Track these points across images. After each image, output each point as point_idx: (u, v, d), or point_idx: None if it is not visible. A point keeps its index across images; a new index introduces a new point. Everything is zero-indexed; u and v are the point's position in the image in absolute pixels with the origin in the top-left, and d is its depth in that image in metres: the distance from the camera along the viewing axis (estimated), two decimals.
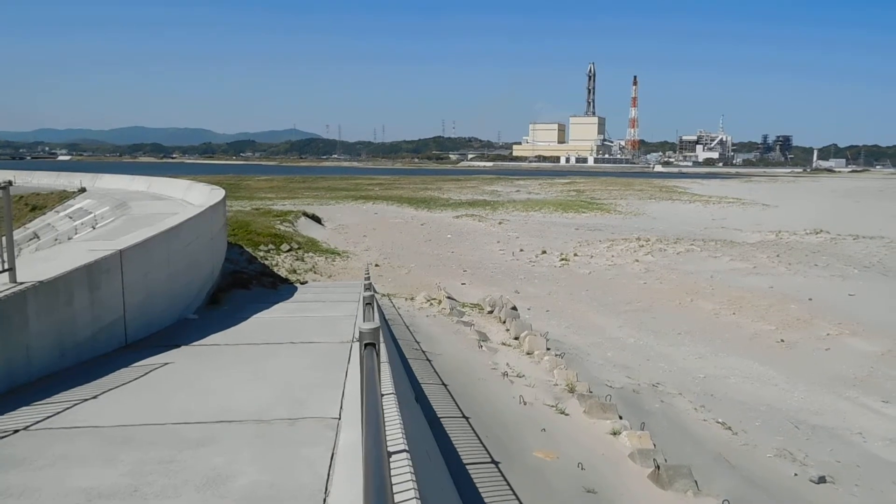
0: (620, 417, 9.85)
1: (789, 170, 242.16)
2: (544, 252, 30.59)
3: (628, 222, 46.52)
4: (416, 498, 3.07)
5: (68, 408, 5.37)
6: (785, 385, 13.91)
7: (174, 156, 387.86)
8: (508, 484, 6.35)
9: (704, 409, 11.72)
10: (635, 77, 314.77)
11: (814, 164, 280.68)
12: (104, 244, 8.56)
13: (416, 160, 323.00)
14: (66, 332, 6.78)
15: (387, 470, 2.00)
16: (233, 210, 35.75)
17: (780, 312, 19.59)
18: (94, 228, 18.67)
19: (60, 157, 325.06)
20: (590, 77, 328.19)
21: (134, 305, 8.20)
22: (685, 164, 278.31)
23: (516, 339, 14.63)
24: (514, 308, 17.95)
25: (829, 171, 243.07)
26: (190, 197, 22.34)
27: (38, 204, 31.91)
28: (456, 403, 8.63)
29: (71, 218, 25.25)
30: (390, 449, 3.68)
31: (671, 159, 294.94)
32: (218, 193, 17.18)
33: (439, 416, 7.88)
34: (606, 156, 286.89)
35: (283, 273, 20.39)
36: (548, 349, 13.64)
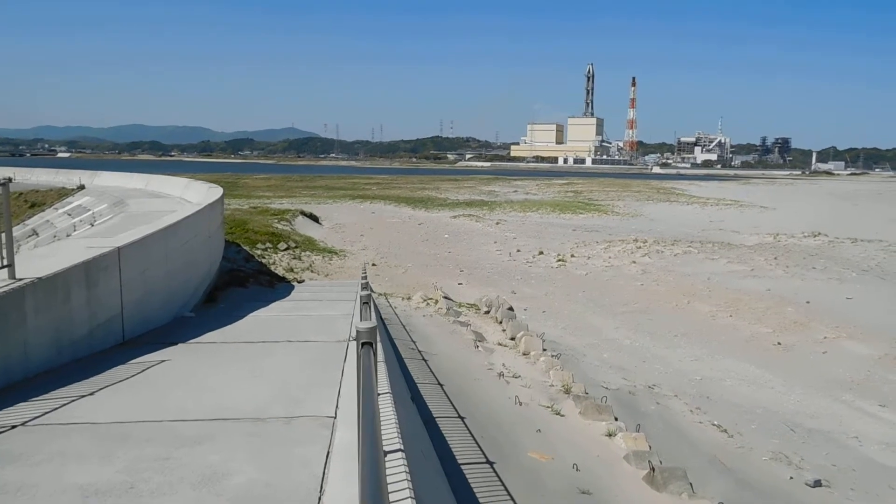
0: (616, 419, 9.87)
1: (788, 172, 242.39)
2: (541, 253, 30.61)
3: (626, 223, 46.57)
4: (410, 497, 3.09)
5: (65, 404, 5.38)
6: (781, 388, 13.94)
7: (173, 154, 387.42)
8: (503, 484, 6.36)
9: (700, 411, 11.74)
10: (634, 78, 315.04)
11: (812, 167, 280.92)
12: (102, 241, 8.57)
13: (414, 160, 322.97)
14: (63, 329, 6.78)
15: (383, 470, 2.01)
16: (230, 208, 35.73)
17: (777, 315, 19.62)
18: (92, 226, 18.66)
19: (60, 155, 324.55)
20: (588, 78, 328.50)
21: (131, 303, 8.21)
22: (683, 165, 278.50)
23: (512, 339, 14.65)
24: (511, 308, 17.97)
25: (828, 173, 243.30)
26: (188, 195, 22.33)
27: (37, 201, 31.89)
28: (451, 403, 8.64)
29: (69, 215, 25.23)
30: (386, 448, 3.70)
31: (669, 161, 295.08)
32: (216, 192, 17.18)
33: (435, 415, 7.89)
34: (604, 157, 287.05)
35: (280, 272, 20.40)
36: (544, 350, 13.66)
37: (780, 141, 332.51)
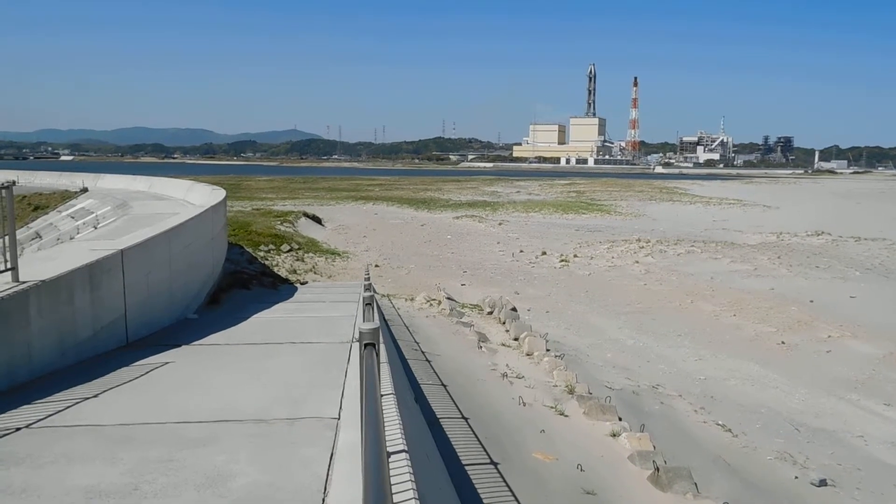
0: (620, 419, 9.85)
1: (790, 171, 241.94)
2: (544, 253, 30.59)
3: (628, 223, 46.52)
4: (414, 499, 3.08)
5: (69, 406, 5.39)
6: (785, 387, 13.90)
7: (175, 156, 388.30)
8: (507, 485, 6.35)
9: (704, 410, 11.71)
10: (636, 78, 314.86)
11: (815, 166, 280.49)
12: (105, 244, 8.59)
13: (417, 161, 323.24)
14: (67, 331, 6.80)
15: (386, 471, 2.00)
16: (233, 210, 35.78)
17: (780, 314, 19.58)
18: (95, 228, 18.70)
19: (63, 158, 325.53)
20: (590, 78, 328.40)
21: (135, 305, 8.22)
22: (686, 165, 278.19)
23: (516, 340, 14.63)
24: (514, 309, 17.95)
25: (831, 172, 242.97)
26: (191, 197, 22.36)
27: (40, 204, 31.96)
28: (455, 404, 8.63)
29: (73, 218, 25.28)
30: (389, 449, 3.69)
31: (672, 160, 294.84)
32: (219, 194, 17.21)
33: (438, 416, 7.88)
34: (607, 157, 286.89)
35: (283, 273, 20.42)
36: (547, 350, 13.64)
37: (782, 140, 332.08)
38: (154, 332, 8.70)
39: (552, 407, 9.91)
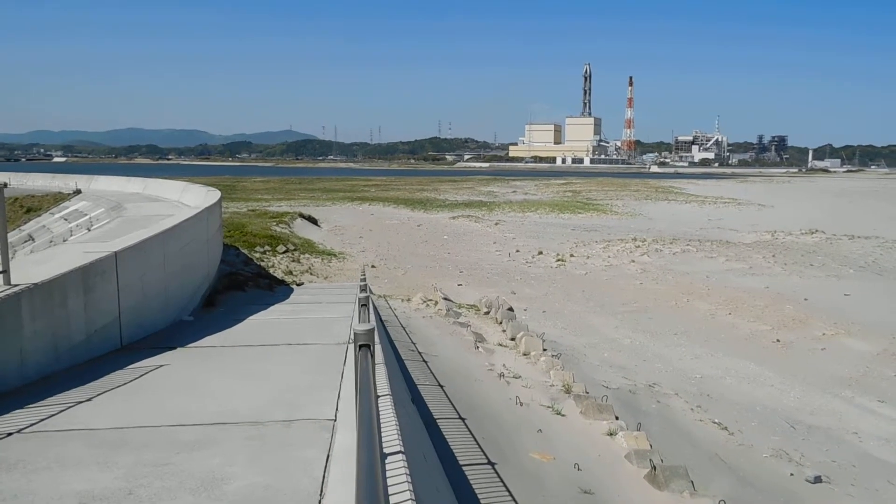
0: (617, 418, 9.85)
1: (785, 170, 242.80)
2: (541, 253, 30.60)
3: (624, 223, 46.59)
4: (411, 500, 3.07)
5: (62, 410, 5.35)
6: (781, 385, 13.93)
7: (170, 157, 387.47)
8: (505, 485, 6.34)
9: (701, 409, 11.73)
10: (631, 78, 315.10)
11: (809, 165, 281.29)
12: (99, 246, 8.54)
13: (413, 161, 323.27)
14: (60, 335, 6.75)
15: (380, 473, 1.99)
16: (229, 212, 35.70)
17: (775, 313, 19.62)
18: (89, 230, 18.63)
19: (56, 159, 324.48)
20: (585, 78, 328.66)
21: (129, 307, 8.18)
22: (681, 164, 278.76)
23: (512, 340, 14.63)
24: (511, 309, 17.95)
25: (825, 171, 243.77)
26: (186, 199, 22.29)
27: (32, 206, 31.82)
28: (452, 405, 8.62)
29: (66, 220, 25.18)
30: (386, 450, 3.68)
31: (667, 160, 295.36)
32: (214, 195, 17.15)
33: (435, 417, 7.87)
34: (602, 156, 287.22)
35: (279, 274, 20.37)
36: (544, 350, 13.64)
37: (776, 139, 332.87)
38: (149, 335, 8.66)
39: (549, 406, 9.91)
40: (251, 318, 10.66)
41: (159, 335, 8.80)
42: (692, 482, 7.84)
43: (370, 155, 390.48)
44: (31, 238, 24.59)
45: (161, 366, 6.93)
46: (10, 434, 4.80)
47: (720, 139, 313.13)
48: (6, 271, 6.41)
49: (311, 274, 22.30)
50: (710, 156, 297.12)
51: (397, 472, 3.40)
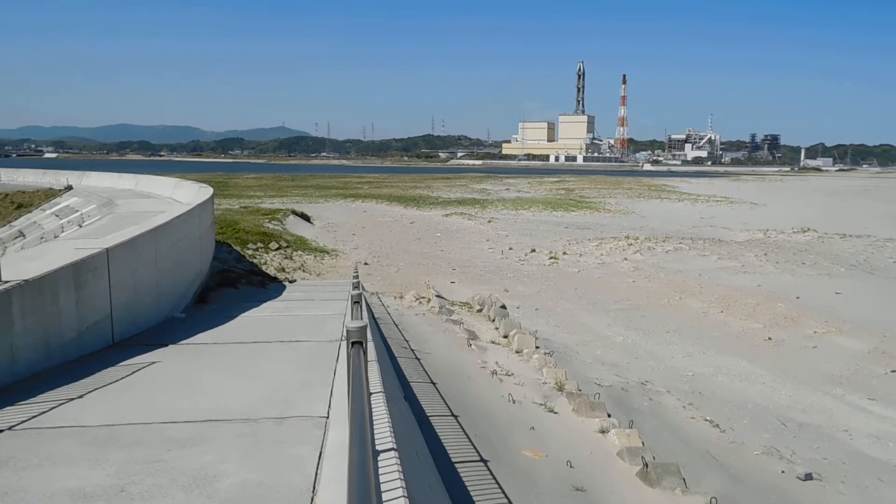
0: (609, 416, 9.87)
1: (777, 168, 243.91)
2: (533, 251, 30.63)
3: (617, 221, 46.69)
4: (404, 497, 3.07)
5: (53, 407, 5.33)
6: (772, 383, 14.00)
7: (162, 154, 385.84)
8: (497, 482, 6.35)
9: (692, 407, 11.77)
10: (624, 76, 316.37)
11: (801, 163, 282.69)
12: (91, 243, 8.50)
13: (406, 158, 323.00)
14: (51, 332, 6.72)
15: (371, 470, 1.99)
16: (221, 208, 35.57)
17: (767, 311, 19.71)
18: (80, 227, 18.53)
19: (47, 155, 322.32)
20: (579, 76, 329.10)
21: (121, 304, 8.14)
22: (674, 162, 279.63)
23: (505, 337, 14.64)
24: (504, 306, 17.96)
25: (817, 169, 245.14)
26: (178, 195, 22.20)
27: (23, 202, 31.61)
28: (445, 402, 8.62)
29: (57, 216, 25.04)
30: (379, 447, 3.68)
31: (660, 158, 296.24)
32: (206, 192, 17.09)
33: (428, 414, 7.87)
34: (596, 154, 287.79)
35: (271, 272, 20.32)
36: (537, 347, 13.65)
37: (769, 138, 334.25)
38: (141, 332, 8.63)
39: (542, 404, 9.92)
40: (243, 315, 10.64)
41: (151, 332, 8.77)
42: (684, 479, 7.87)
43: (363, 152, 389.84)
44: (21, 234, 24.44)
45: (153, 363, 6.91)
46: (1, 431, 4.78)
47: (713, 138, 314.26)
48: None
49: (303, 271, 22.26)
50: (703, 154, 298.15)
51: (390, 469, 3.40)
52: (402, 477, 3.29)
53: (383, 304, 16.84)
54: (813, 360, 15.57)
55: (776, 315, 19.25)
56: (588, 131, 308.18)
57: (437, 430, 7.36)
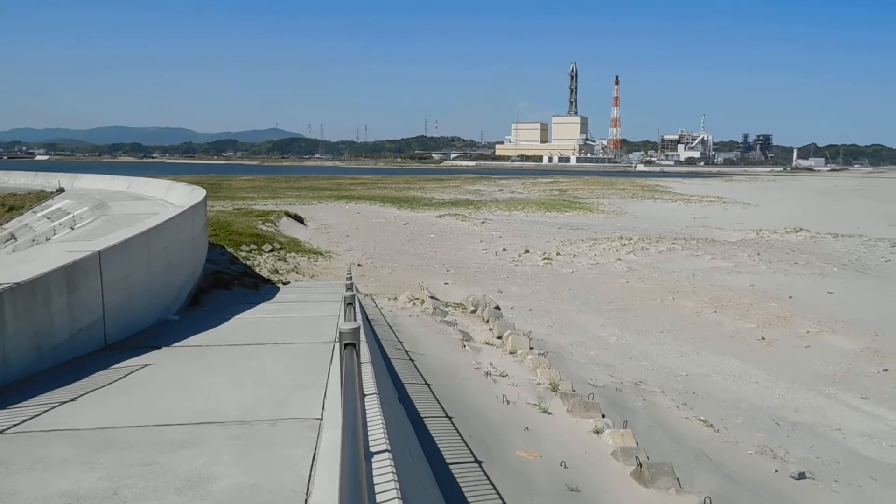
0: (603, 416, 9.90)
1: (770, 169, 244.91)
2: (527, 251, 30.66)
3: (611, 221, 46.79)
4: (398, 498, 3.07)
5: (46, 411, 5.30)
6: (765, 382, 14.05)
7: (154, 156, 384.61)
8: (492, 483, 6.36)
9: (686, 406, 11.80)
10: (617, 77, 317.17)
11: (794, 163, 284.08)
12: (83, 245, 8.46)
13: (399, 160, 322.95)
14: (43, 334, 6.69)
15: (364, 472, 1.99)
16: (214, 210, 35.48)
17: (760, 310, 19.79)
18: (72, 229, 18.46)
19: (38, 157, 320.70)
20: (572, 77, 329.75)
21: (113, 306, 8.11)
22: (667, 163, 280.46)
23: (499, 338, 14.65)
24: (498, 307, 17.98)
25: (809, 169, 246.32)
26: (170, 197, 22.15)
27: (15, 204, 31.46)
28: (439, 403, 8.62)
29: (49, 218, 24.93)
30: (373, 449, 3.68)
31: (653, 158, 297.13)
32: (199, 193, 17.05)
33: (422, 415, 7.87)
34: (589, 155, 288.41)
35: (265, 273, 20.27)
36: (531, 348, 13.67)
37: (761, 138, 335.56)
38: (134, 334, 8.59)
39: (536, 405, 9.94)
40: (237, 316, 10.61)
41: (144, 334, 8.74)
42: (678, 479, 7.89)
43: (356, 153, 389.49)
44: (13, 237, 24.32)
45: (146, 365, 6.88)
46: None
47: (706, 138, 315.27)
48: None
49: (297, 273, 22.22)
50: (696, 154, 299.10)
51: (384, 471, 3.40)
52: (396, 478, 3.29)
53: (377, 306, 16.82)
54: (806, 360, 15.64)
55: (769, 315, 19.33)
56: (581, 132, 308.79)
57: (431, 432, 7.36)
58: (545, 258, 29.04)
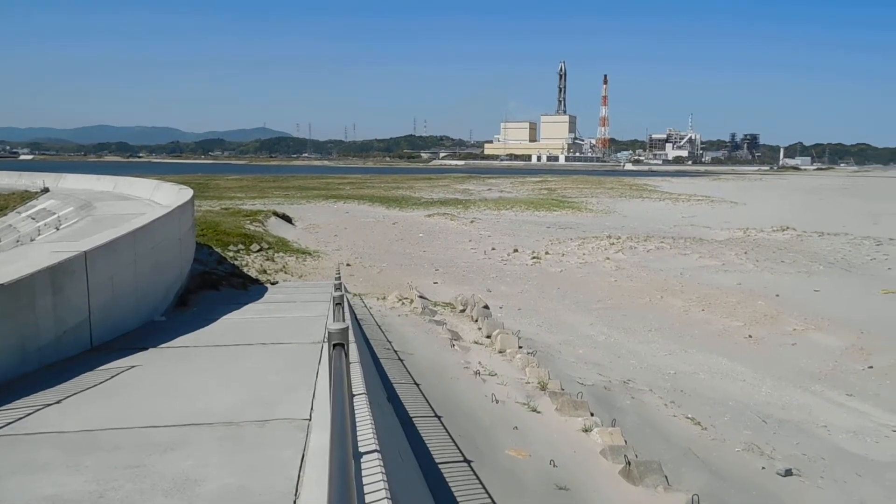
0: (592, 414, 9.93)
1: (757, 168, 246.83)
2: (516, 251, 30.71)
3: (599, 220, 46.95)
4: (387, 498, 3.07)
5: (30, 413, 5.25)
6: (752, 380, 14.15)
7: (141, 155, 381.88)
8: (481, 482, 6.36)
9: (674, 404, 11.86)
10: (605, 76, 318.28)
11: (780, 162, 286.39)
12: (68, 245, 8.39)
13: (388, 159, 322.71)
14: (28, 336, 6.62)
15: (352, 472, 1.98)
16: (201, 210, 35.28)
17: (747, 309, 19.92)
18: (57, 229, 18.29)
19: (22, 157, 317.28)
20: (560, 76, 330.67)
21: (99, 308, 8.04)
22: (655, 162, 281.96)
23: (488, 337, 14.67)
24: (486, 307, 17.99)
25: (796, 168, 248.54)
26: (157, 197, 22.01)
27: None
28: (428, 403, 8.61)
29: (33, 219, 24.70)
30: (362, 449, 3.67)
31: (641, 157, 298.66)
32: (186, 193, 16.94)
33: (411, 415, 7.86)
34: (577, 154, 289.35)
35: (253, 273, 20.18)
36: (520, 347, 13.70)
37: (748, 137, 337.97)
38: (120, 336, 8.53)
39: (525, 404, 9.95)
40: (225, 317, 10.56)
41: (131, 335, 8.68)
42: (666, 477, 7.93)
43: (345, 153, 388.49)
44: None
45: (133, 366, 6.83)
46: None
47: (693, 137, 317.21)
48: None
49: (285, 273, 22.14)
50: (684, 154, 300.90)
51: (373, 471, 3.40)
52: (385, 478, 3.29)
53: (366, 306, 16.79)
54: (792, 357, 15.76)
55: (756, 313, 19.46)
56: (570, 131, 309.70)
57: (420, 431, 7.36)
58: (534, 257, 29.10)
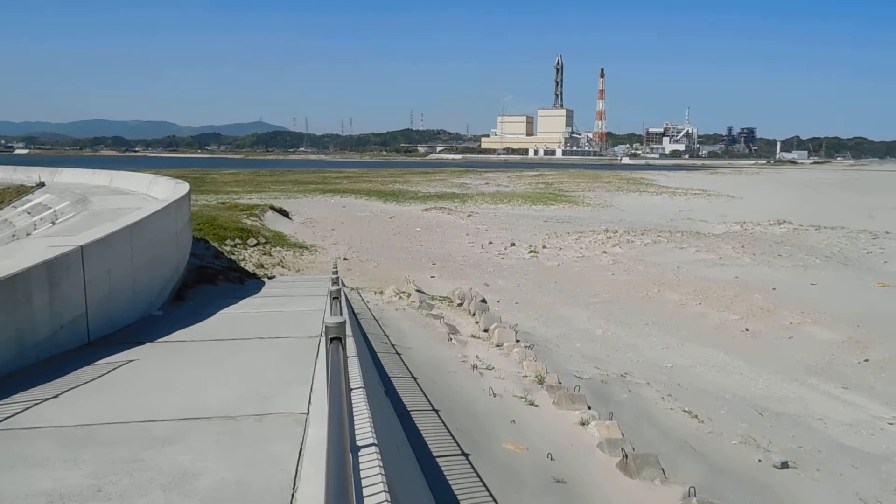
0: (589, 408, 9.95)
1: (753, 161, 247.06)
2: (513, 245, 30.72)
3: (596, 214, 46.98)
4: (385, 491, 3.07)
5: (28, 408, 5.24)
6: (749, 373, 14.20)
7: (137, 149, 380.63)
8: (478, 476, 6.37)
9: (671, 398, 11.90)
10: (602, 70, 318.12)
11: (777, 156, 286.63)
12: (64, 240, 8.37)
13: (385, 153, 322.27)
14: (24, 331, 6.61)
15: (350, 465, 1.98)
16: (198, 204, 35.20)
17: (744, 302, 19.96)
18: (53, 224, 18.25)
19: (17, 151, 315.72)
20: (557, 70, 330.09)
21: (96, 302, 8.03)
22: (652, 156, 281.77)
23: (486, 331, 14.68)
24: (484, 301, 18.00)
25: (792, 162, 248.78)
26: (154, 191, 21.96)
27: None
28: (426, 396, 8.63)
29: (29, 213, 24.64)
30: (359, 443, 3.67)
31: (638, 151, 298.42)
32: (182, 187, 16.90)
33: (409, 409, 7.87)
34: (574, 148, 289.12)
35: (250, 268, 20.16)
36: (517, 341, 13.71)
37: (745, 131, 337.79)
38: (117, 330, 8.52)
39: (522, 397, 9.97)
40: (222, 311, 10.54)
41: (128, 330, 8.67)
42: (663, 470, 7.96)
43: (342, 147, 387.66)
44: None
45: (130, 361, 6.83)
46: None
47: (690, 131, 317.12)
48: None
49: (282, 267, 22.12)
50: (681, 147, 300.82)
51: (370, 465, 3.40)
52: (382, 472, 3.29)
53: (363, 300, 16.79)
54: (789, 351, 15.81)
55: (753, 306, 19.51)
56: (567, 125, 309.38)
57: (418, 425, 7.37)
58: (531, 251, 29.11)
